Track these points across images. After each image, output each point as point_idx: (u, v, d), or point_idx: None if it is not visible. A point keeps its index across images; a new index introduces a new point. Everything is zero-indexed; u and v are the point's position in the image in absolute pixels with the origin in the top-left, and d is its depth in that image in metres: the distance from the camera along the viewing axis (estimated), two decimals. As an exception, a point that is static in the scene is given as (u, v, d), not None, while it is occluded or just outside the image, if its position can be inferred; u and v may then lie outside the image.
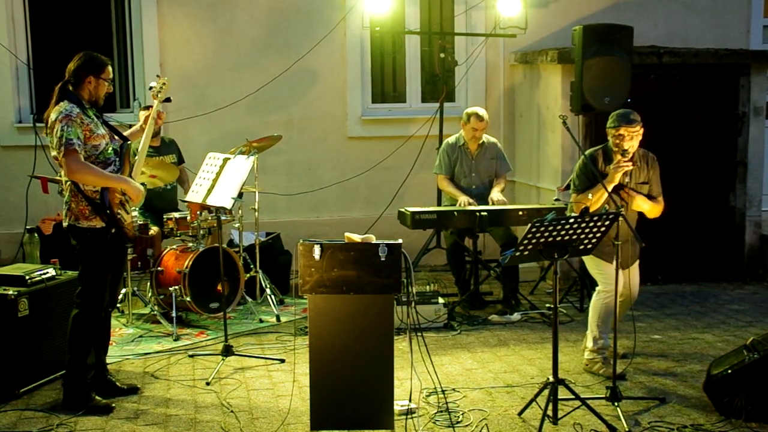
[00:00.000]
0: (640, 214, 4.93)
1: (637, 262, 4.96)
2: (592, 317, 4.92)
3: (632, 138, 4.70)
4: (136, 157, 4.71)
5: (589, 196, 4.70)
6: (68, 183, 4.35)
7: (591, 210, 4.63)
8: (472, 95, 7.84)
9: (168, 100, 4.90)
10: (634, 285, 4.97)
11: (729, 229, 7.28)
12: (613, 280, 4.62)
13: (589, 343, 4.96)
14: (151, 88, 4.84)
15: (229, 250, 6.05)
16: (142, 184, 4.74)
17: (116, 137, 4.50)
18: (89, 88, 4.37)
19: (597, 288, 4.92)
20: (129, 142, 4.59)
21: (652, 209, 4.87)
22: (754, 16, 8.09)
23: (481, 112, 6.38)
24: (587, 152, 4.90)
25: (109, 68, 4.45)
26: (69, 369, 4.44)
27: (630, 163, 4.69)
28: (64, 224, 4.42)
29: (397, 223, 6.30)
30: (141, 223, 5.96)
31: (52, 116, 4.28)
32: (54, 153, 4.31)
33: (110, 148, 4.41)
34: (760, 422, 4.18)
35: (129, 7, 7.39)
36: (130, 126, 5.09)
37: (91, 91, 4.38)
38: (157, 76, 4.85)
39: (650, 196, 4.86)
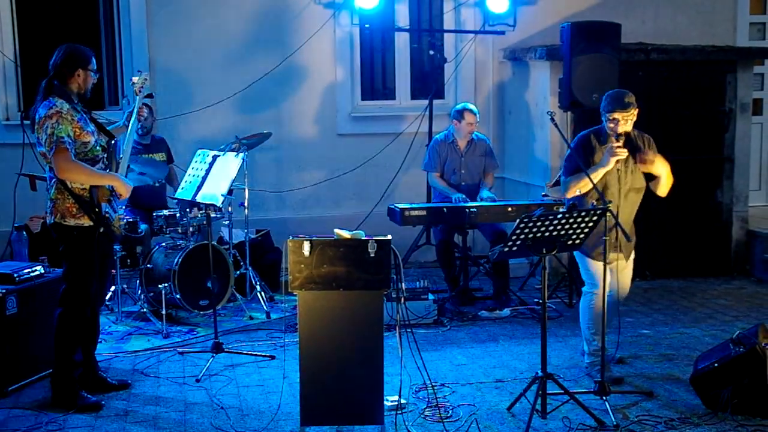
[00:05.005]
0: (640, 206, 4.79)
1: (631, 259, 4.81)
2: (583, 321, 4.80)
3: (627, 122, 4.55)
4: (121, 156, 4.58)
5: (578, 192, 4.62)
6: (54, 180, 4.31)
7: (582, 192, 4.61)
8: (461, 92, 7.86)
9: (150, 95, 4.84)
10: (624, 283, 4.83)
11: (716, 225, 7.32)
12: (598, 279, 4.60)
13: (586, 347, 4.86)
14: (132, 84, 4.77)
15: (219, 247, 6.04)
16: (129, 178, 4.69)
17: (103, 134, 4.47)
18: (78, 81, 4.32)
19: (583, 289, 4.84)
20: (116, 140, 4.55)
21: (668, 176, 4.64)
22: (740, 13, 8.14)
23: (471, 105, 6.46)
24: (578, 136, 4.80)
25: (93, 58, 4.41)
26: (56, 368, 4.43)
27: (625, 151, 4.53)
28: (48, 221, 4.36)
29: (387, 220, 6.31)
30: (130, 220, 5.95)
31: (41, 112, 4.21)
32: (42, 150, 4.26)
33: (98, 145, 4.38)
34: (746, 415, 4.22)
35: (117, 3, 7.37)
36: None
37: (80, 84, 4.33)
38: (138, 71, 4.81)
39: (652, 176, 4.68)
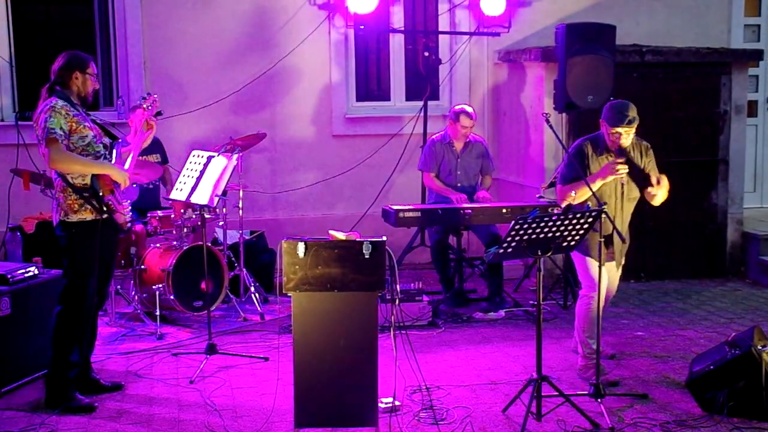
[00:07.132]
0: (635, 208, 4.82)
1: (622, 261, 4.87)
2: (580, 324, 4.81)
3: (629, 135, 4.64)
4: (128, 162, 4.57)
5: (572, 193, 4.64)
6: (58, 178, 4.32)
7: (575, 202, 4.63)
8: (456, 94, 7.86)
9: (159, 113, 4.87)
10: (614, 283, 4.93)
11: (711, 227, 7.33)
12: (596, 281, 4.61)
13: (580, 350, 4.87)
14: (142, 99, 4.75)
15: (213, 248, 6.03)
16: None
17: (106, 136, 4.49)
18: (77, 84, 4.39)
19: (581, 292, 4.85)
20: (120, 141, 4.58)
21: (664, 194, 4.73)
22: (735, 14, 8.15)
23: (469, 109, 6.42)
24: (575, 145, 4.82)
25: (93, 64, 4.49)
26: (52, 367, 4.41)
27: (626, 169, 4.58)
28: (55, 221, 4.39)
29: (382, 221, 6.30)
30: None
31: (38, 110, 4.27)
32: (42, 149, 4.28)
33: (99, 142, 4.39)
34: (742, 417, 4.22)
35: (112, 4, 7.35)
36: (113, 125, 5.06)
37: (79, 87, 4.40)
38: (148, 93, 4.84)
39: (649, 184, 4.72)
